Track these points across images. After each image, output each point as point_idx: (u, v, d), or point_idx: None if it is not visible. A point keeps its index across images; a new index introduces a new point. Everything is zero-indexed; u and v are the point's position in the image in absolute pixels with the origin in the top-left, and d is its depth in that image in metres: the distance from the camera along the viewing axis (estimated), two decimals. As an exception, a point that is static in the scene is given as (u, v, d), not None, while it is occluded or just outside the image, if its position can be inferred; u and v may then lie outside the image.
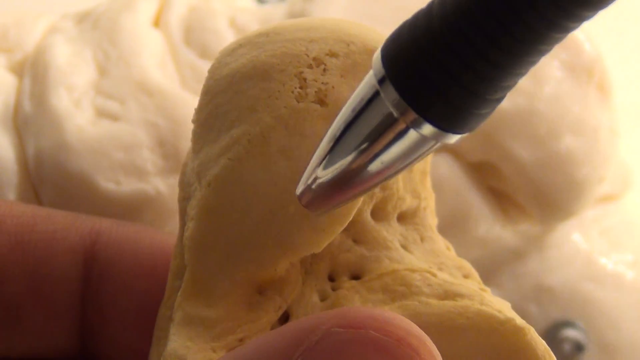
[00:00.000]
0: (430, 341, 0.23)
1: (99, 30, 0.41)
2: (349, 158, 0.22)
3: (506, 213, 0.42)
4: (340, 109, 0.22)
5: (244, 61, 0.25)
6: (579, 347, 0.41)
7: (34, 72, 0.40)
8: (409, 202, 0.27)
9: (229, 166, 0.25)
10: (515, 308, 0.26)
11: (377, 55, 0.21)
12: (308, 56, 0.25)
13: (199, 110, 0.26)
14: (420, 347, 0.22)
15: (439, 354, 0.23)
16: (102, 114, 0.39)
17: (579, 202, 0.41)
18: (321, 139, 0.23)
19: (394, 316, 0.23)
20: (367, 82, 0.22)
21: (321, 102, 0.25)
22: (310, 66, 0.25)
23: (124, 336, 0.31)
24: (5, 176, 0.39)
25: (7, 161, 0.39)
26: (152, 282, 0.30)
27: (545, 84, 0.40)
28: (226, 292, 0.25)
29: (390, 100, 0.21)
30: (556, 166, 0.40)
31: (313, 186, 0.23)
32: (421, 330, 0.23)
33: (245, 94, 0.25)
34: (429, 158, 0.28)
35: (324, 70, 0.25)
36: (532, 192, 0.41)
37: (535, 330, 0.25)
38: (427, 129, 0.21)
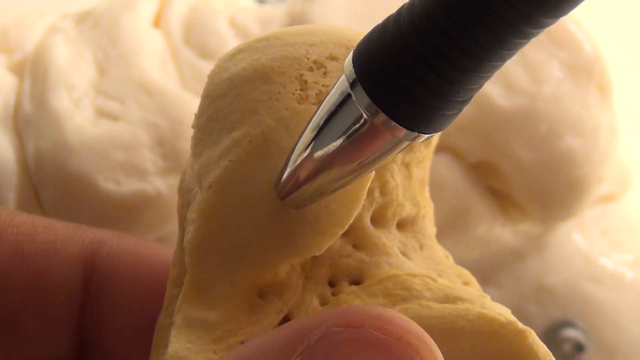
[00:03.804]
0: (431, 339, 0.23)
1: (99, 30, 0.41)
2: (322, 155, 0.23)
3: (506, 213, 0.42)
4: None
5: (244, 65, 0.25)
6: (579, 347, 0.41)
7: (34, 72, 0.40)
8: (408, 210, 0.27)
9: (230, 168, 0.25)
10: (515, 308, 0.26)
11: (348, 59, 0.22)
12: (308, 59, 0.25)
13: (199, 115, 0.26)
14: (420, 345, 0.22)
15: (440, 352, 0.22)
16: (102, 114, 0.39)
17: (579, 202, 0.41)
18: (298, 138, 0.23)
19: (394, 315, 0.23)
20: (339, 85, 0.22)
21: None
22: (310, 69, 0.25)
23: (122, 347, 0.31)
24: (5, 176, 0.38)
25: (7, 161, 0.39)
26: (151, 294, 0.30)
27: (545, 84, 0.40)
28: (227, 295, 0.24)
29: (361, 102, 0.22)
30: (556, 166, 0.40)
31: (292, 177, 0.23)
32: (421, 329, 0.23)
33: (246, 97, 0.25)
34: (428, 168, 0.28)
35: (325, 73, 0.25)
36: (532, 192, 0.41)
37: (535, 330, 0.25)
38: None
